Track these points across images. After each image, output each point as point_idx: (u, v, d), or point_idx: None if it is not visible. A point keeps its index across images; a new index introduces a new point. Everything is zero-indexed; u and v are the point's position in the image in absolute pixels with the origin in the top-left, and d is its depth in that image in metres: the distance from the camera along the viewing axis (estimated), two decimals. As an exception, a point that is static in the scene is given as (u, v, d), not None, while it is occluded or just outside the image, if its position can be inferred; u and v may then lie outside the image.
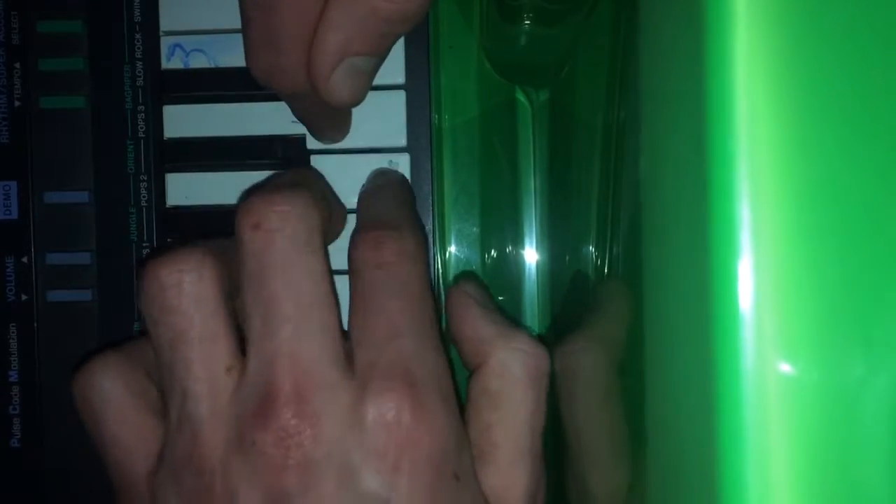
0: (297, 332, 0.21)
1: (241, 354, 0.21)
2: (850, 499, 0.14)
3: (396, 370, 0.21)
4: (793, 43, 0.14)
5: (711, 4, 0.14)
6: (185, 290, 0.21)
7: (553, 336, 0.29)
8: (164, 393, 0.22)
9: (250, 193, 0.22)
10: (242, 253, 0.21)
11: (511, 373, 0.22)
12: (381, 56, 0.23)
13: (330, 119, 0.25)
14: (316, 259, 0.21)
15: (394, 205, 0.24)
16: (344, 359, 0.21)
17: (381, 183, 0.25)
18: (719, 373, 0.14)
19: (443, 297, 0.27)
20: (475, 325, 0.23)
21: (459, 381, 0.24)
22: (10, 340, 0.26)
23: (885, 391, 0.14)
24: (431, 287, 0.23)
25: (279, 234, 0.21)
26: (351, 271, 0.22)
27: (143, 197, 0.26)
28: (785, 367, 0.14)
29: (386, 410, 0.20)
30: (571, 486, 0.26)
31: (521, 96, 0.30)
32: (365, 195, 0.25)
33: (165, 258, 0.21)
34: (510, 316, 0.24)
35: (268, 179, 0.25)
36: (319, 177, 0.25)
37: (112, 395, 0.22)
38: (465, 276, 0.28)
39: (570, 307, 0.28)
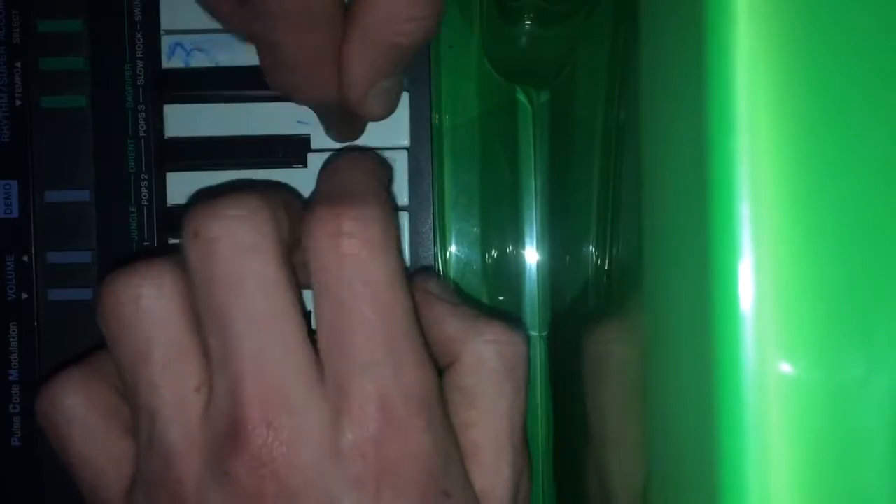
0: (258, 350, 0.19)
1: (209, 369, 0.20)
2: (850, 499, 0.14)
3: (372, 401, 0.19)
4: (794, 42, 0.14)
5: (712, 4, 0.14)
6: (144, 305, 0.20)
7: (554, 336, 0.29)
8: (132, 412, 0.21)
9: (196, 202, 0.20)
10: (187, 266, 0.20)
11: (486, 367, 0.21)
12: (403, 72, 0.24)
13: (350, 122, 0.25)
14: (268, 267, 0.19)
15: (358, 175, 0.22)
16: (315, 371, 0.20)
17: (348, 155, 0.24)
18: (719, 372, 0.14)
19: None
20: (441, 323, 0.22)
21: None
22: (11, 339, 0.26)
23: (885, 391, 0.14)
24: (406, 273, 0.21)
25: (221, 243, 0.19)
26: (308, 260, 0.20)
27: (144, 196, 0.26)
28: (785, 367, 0.14)
29: (362, 442, 0.19)
30: (592, 473, 0.25)
31: (521, 96, 0.30)
32: (326, 165, 0.23)
33: (123, 271, 0.20)
34: (478, 305, 0.24)
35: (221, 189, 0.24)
36: (286, 188, 0.24)
37: (77, 414, 0.21)
38: (422, 272, 0.26)
39: (571, 306, 0.28)
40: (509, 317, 0.29)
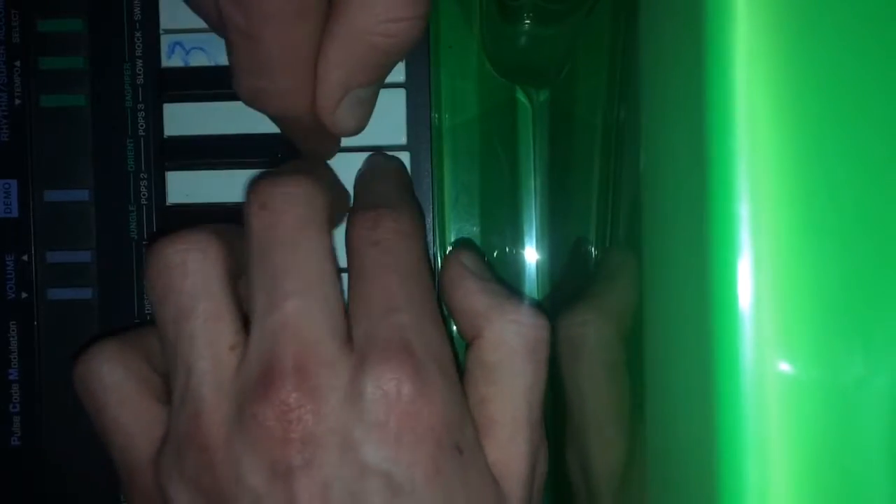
0: (301, 307, 0.21)
1: (244, 334, 0.21)
2: (849, 498, 0.14)
3: (394, 342, 0.21)
4: (793, 41, 0.14)
5: (712, 3, 0.14)
6: (190, 268, 0.21)
7: (553, 334, 0.29)
8: (168, 375, 0.22)
9: (259, 177, 0.22)
10: (249, 231, 0.21)
11: (508, 346, 0.22)
12: (381, 82, 0.24)
13: (319, 140, 0.25)
14: (320, 239, 0.21)
15: (392, 187, 0.24)
16: (346, 332, 0.21)
17: (378, 167, 0.25)
18: (719, 371, 0.14)
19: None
20: (471, 297, 0.23)
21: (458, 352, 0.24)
22: (11, 339, 0.26)
23: (884, 391, 0.14)
24: (430, 263, 0.23)
25: (285, 214, 0.21)
26: (348, 251, 0.22)
27: (144, 195, 0.26)
28: (784, 366, 0.14)
29: (385, 382, 0.20)
30: (573, 458, 0.25)
31: (521, 96, 0.30)
32: (362, 178, 0.25)
33: (171, 237, 0.22)
34: (509, 285, 0.24)
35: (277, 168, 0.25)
36: (327, 167, 0.26)
37: (112, 380, 0.22)
38: (462, 243, 0.27)
39: (571, 305, 0.28)
40: (535, 300, 0.29)
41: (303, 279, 0.21)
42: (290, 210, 0.21)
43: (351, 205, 0.25)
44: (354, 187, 0.25)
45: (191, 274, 0.21)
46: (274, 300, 0.21)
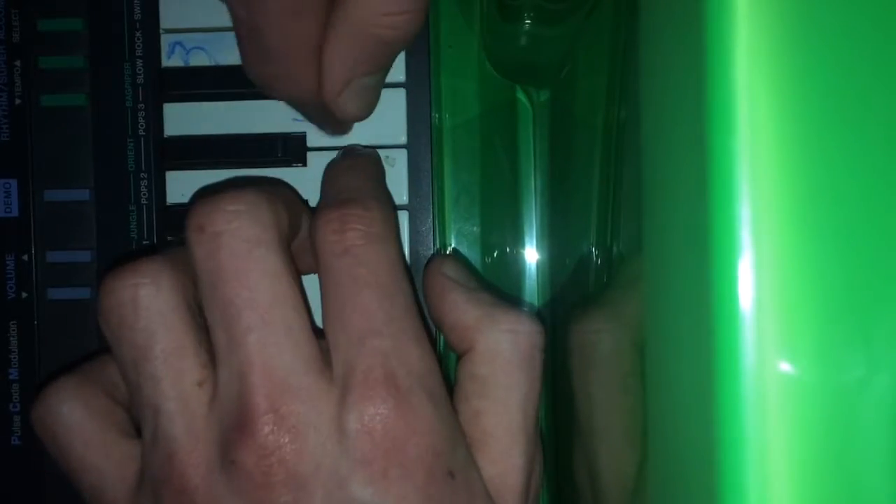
0: (263, 339, 0.20)
1: (212, 365, 0.20)
2: (849, 498, 0.14)
3: (376, 373, 0.20)
4: (794, 41, 0.14)
5: (712, 3, 0.14)
6: (143, 303, 0.20)
7: (553, 335, 0.29)
8: (135, 411, 0.21)
9: (198, 200, 0.21)
10: (193, 262, 0.20)
11: (502, 357, 0.21)
12: (386, 70, 0.24)
13: (332, 119, 0.25)
14: (271, 257, 0.20)
15: (359, 179, 0.23)
16: (320, 359, 0.20)
17: (347, 158, 0.24)
18: (719, 372, 0.14)
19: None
20: (458, 310, 0.22)
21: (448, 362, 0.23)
22: (11, 338, 0.26)
23: (885, 391, 0.14)
24: (407, 267, 0.22)
25: (226, 235, 0.20)
26: (316, 257, 0.21)
27: (144, 195, 0.26)
28: (785, 367, 0.14)
29: (368, 419, 0.19)
30: (580, 463, 0.25)
31: (521, 96, 0.30)
32: (329, 170, 0.24)
33: (120, 271, 0.21)
34: (496, 290, 0.23)
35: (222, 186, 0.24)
36: (284, 185, 0.25)
37: (73, 420, 0.21)
38: (441, 255, 0.27)
39: (571, 305, 0.28)
40: (525, 304, 0.29)
41: (258, 308, 0.20)
42: (231, 231, 0.20)
43: None
44: (322, 180, 0.24)
45: (143, 310, 0.20)
46: (233, 338, 0.20)
